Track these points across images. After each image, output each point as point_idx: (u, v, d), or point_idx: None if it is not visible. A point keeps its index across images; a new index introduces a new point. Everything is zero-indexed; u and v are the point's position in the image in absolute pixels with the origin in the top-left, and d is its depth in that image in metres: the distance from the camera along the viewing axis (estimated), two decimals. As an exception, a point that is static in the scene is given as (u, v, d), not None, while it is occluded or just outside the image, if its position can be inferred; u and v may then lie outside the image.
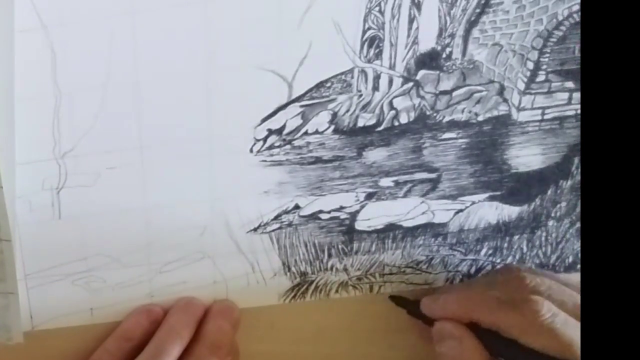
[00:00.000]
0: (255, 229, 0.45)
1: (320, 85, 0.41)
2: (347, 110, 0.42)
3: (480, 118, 0.43)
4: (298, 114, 0.42)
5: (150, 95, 0.40)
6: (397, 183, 0.45)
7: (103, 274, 0.45)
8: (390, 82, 0.42)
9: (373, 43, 0.41)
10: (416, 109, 0.43)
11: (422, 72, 0.42)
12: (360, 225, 0.46)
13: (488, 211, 0.46)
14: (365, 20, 0.40)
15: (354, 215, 0.45)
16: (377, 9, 0.40)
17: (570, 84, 0.43)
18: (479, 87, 0.43)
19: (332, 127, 0.43)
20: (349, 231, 0.46)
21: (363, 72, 0.42)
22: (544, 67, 0.42)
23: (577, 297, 0.40)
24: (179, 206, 0.44)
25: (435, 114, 0.43)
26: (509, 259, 0.48)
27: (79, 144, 0.41)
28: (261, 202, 0.44)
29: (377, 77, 0.42)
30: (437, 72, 0.42)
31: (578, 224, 0.47)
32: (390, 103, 0.43)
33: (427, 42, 0.41)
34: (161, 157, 0.42)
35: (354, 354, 0.49)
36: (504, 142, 0.44)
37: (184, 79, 0.40)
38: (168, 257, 0.45)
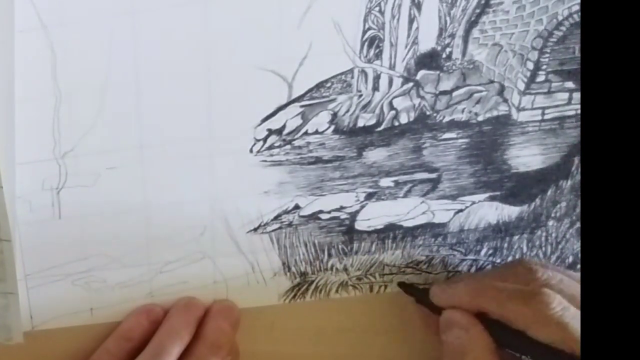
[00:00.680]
0: (255, 229, 0.45)
1: (320, 85, 0.41)
2: (347, 111, 0.42)
3: (480, 118, 0.43)
4: (298, 114, 0.42)
5: (150, 95, 0.40)
6: (397, 183, 0.45)
7: (103, 274, 0.45)
8: (390, 82, 0.42)
9: (373, 43, 0.41)
10: (416, 109, 0.43)
11: (422, 72, 0.42)
12: (360, 225, 0.46)
13: (488, 211, 0.46)
14: (365, 21, 0.40)
15: (354, 215, 0.45)
16: (377, 9, 0.40)
17: (570, 84, 0.43)
18: (479, 87, 0.43)
19: (332, 127, 0.43)
20: (349, 231, 0.46)
21: (363, 72, 0.42)
22: (544, 67, 0.42)
23: None
24: (179, 206, 0.44)
25: (435, 114, 0.43)
26: (509, 259, 0.48)
27: (79, 144, 0.41)
28: (261, 202, 0.44)
29: (377, 77, 0.42)
30: (437, 72, 0.42)
31: (578, 224, 0.47)
32: (390, 103, 0.43)
33: (427, 42, 0.41)
34: (161, 157, 0.42)
35: (354, 354, 0.49)
36: (504, 142, 0.44)
37: (184, 78, 0.40)
38: (168, 257, 0.45)
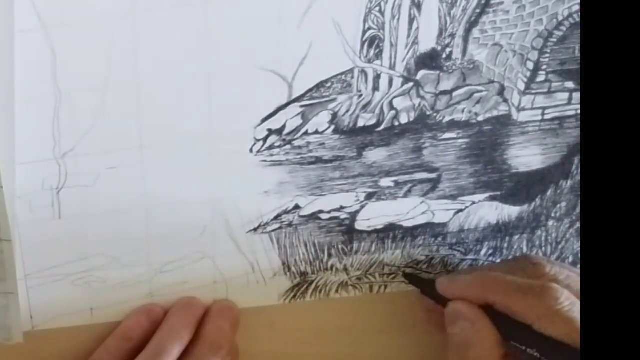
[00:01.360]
0: (255, 229, 0.45)
1: (320, 85, 0.41)
2: (347, 111, 0.42)
3: (480, 118, 0.43)
4: (298, 114, 0.42)
5: (150, 95, 0.40)
6: (397, 183, 0.45)
7: (103, 274, 0.45)
8: (391, 82, 0.42)
9: (373, 43, 0.41)
10: (416, 109, 0.43)
11: (422, 72, 0.42)
12: (360, 225, 0.46)
13: (488, 211, 0.46)
14: (365, 21, 0.40)
15: (354, 215, 0.45)
16: (377, 9, 0.40)
17: (570, 84, 0.43)
18: (479, 87, 0.43)
19: (332, 127, 0.43)
20: (349, 231, 0.46)
21: (363, 72, 0.41)
22: (544, 67, 0.42)
23: None
24: (179, 206, 0.44)
25: (435, 114, 0.43)
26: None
27: (79, 144, 0.41)
28: (261, 202, 0.44)
29: (377, 77, 0.42)
30: (437, 72, 0.42)
31: (578, 224, 0.47)
32: (391, 103, 0.43)
33: (428, 42, 0.41)
34: (161, 157, 0.42)
35: (354, 354, 0.49)
36: (504, 142, 0.44)
37: (184, 79, 0.40)
38: (168, 257, 0.45)
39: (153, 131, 0.41)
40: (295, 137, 0.43)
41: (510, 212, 0.46)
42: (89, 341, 0.46)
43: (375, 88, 0.42)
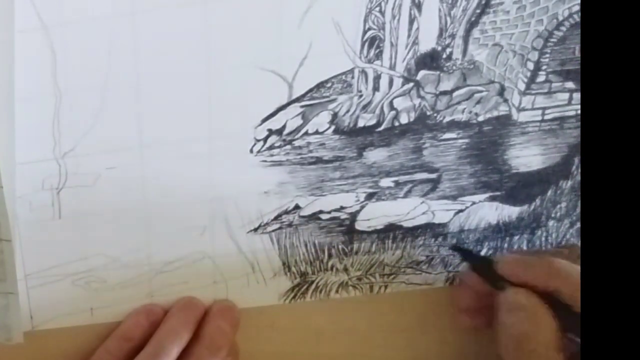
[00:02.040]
0: (255, 229, 0.45)
1: (320, 85, 0.41)
2: (348, 111, 0.42)
3: (480, 118, 0.43)
4: (298, 114, 0.42)
5: (151, 96, 0.40)
6: (397, 183, 0.45)
7: (103, 274, 0.45)
8: (391, 82, 0.42)
9: (373, 43, 0.41)
10: (416, 109, 0.43)
11: (422, 73, 0.42)
12: (360, 225, 0.46)
13: (488, 211, 0.46)
14: (365, 21, 0.40)
15: (354, 216, 0.45)
16: (377, 9, 0.40)
17: (570, 85, 0.43)
18: (479, 88, 0.43)
19: (333, 127, 0.43)
20: (349, 231, 0.46)
21: (363, 72, 0.41)
22: (544, 67, 0.42)
23: None
24: (179, 206, 0.44)
25: (435, 115, 0.43)
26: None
27: (79, 144, 0.41)
28: (261, 202, 0.44)
29: (377, 78, 0.42)
30: (438, 72, 0.42)
31: (578, 224, 0.47)
32: (391, 103, 0.43)
33: (428, 42, 0.41)
34: (161, 157, 0.42)
35: (354, 354, 0.49)
36: (504, 142, 0.44)
37: (184, 79, 0.40)
38: (168, 257, 0.45)
39: (153, 131, 0.41)
40: (296, 137, 0.43)
41: (510, 212, 0.46)
42: (89, 341, 0.46)
43: (376, 88, 0.42)
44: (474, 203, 0.46)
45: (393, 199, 0.45)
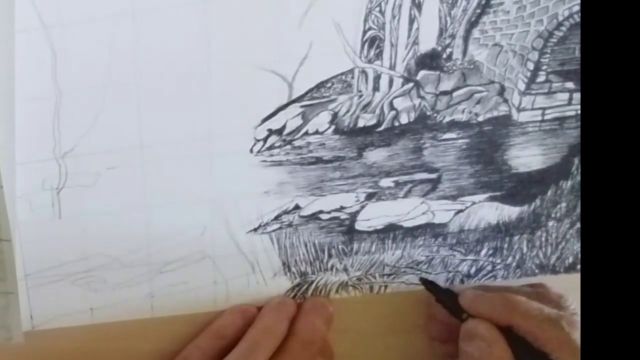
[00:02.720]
0: (255, 229, 0.45)
1: (320, 85, 0.41)
2: (348, 111, 0.42)
3: (480, 118, 0.43)
4: (298, 114, 0.42)
5: (150, 95, 0.40)
6: (397, 183, 0.45)
7: (103, 274, 0.45)
8: (391, 82, 0.42)
9: (373, 43, 0.41)
10: (416, 109, 0.43)
11: (422, 73, 0.42)
12: (360, 225, 0.46)
13: (488, 211, 0.46)
14: (365, 21, 0.40)
15: (354, 216, 0.45)
16: (377, 9, 0.40)
17: (570, 85, 0.43)
18: (479, 88, 0.43)
19: (333, 127, 0.43)
20: (349, 231, 0.46)
21: (363, 72, 0.41)
22: (544, 67, 0.42)
23: None
24: (179, 206, 0.44)
25: (435, 115, 0.43)
26: (509, 260, 0.48)
27: (79, 144, 0.41)
28: (261, 202, 0.44)
29: (377, 78, 0.42)
30: (438, 72, 0.42)
31: (578, 225, 0.47)
32: (391, 103, 0.43)
33: (428, 42, 0.41)
34: (161, 157, 0.42)
35: (354, 354, 0.49)
36: (504, 142, 0.44)
37: (184, 78, 0.40)
38: (168, 257, 0.45)
39: (153, 131, 0.41)
40: (296, 137, 0.43)
41: (510, 212, 0.46)
42: (89, 341, 0.46)
43: (376, 88, 0.42)
44: (474, 203, 0.46)
45: (393, 199, 0.45)
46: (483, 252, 0.48)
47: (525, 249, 0.48)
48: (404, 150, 0.44)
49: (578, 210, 0.47)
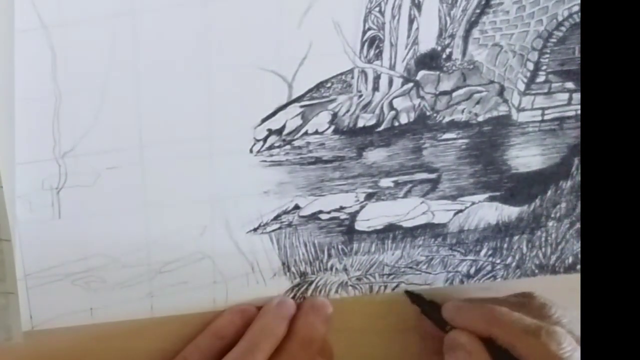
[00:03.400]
0: (255, 229, 0.45)
1: (320, 85, 0.41)
2: (347, 111, 0.42)
3: (480, 118, 0.43)
4: (298, 114, 0.42)
5: (151, 95, 0.40)
6: (397, 183, 0.45)
7: (103, 274, 0.45)
8: (390, 82, 0.42)
9: (373, 43, 0.41)
10: (416, 109, 0.43)
11: (422, 73, 0.42)
12: (360, 225, 0.46)
13: (488, 212, 0.46)
14: (365, 21, 0.40)
15: (353, 216, 0.45)
16: (377, 9, 0.40)
17: (570, 85, 0.43)
18: (479, 88, 0.43)
19: (332, 127, 0.43)
20: (349, 231, 0.46)
21: (363, 72, 0.42)
22: (544, 67, 0.42)
23: None
24: (179, 206, 0.44)
25: (435, 115, 0.43)
26: (509, 260, 0.48)
27: (79, 144, 0.41)
28: (261, 202, 0.44)
29: (377, 78, 0.42)
30: (437, 72, 0.42)
31: (578, 225, 0.47)
32: (390, 103, 0.43)
33: (427, 42, 0.41)
34: (161, 157, 0.42)
35: (354, 354, 0.49)
36: (503, 142, 0.44)
37: (184, 78, 0.40)
38: (168, 257, 0.45)
39: (153, 131, 0.41)
40: (295, 137, 0.43)
41: (510, 212, 0.46)
42: (89, 341, 0.46)
43: (375, 88, 0.42)
44: (473, 203, 0.46)
45: (393, 199, 0.45)
46: (483, 252, 0.48)
47: (525, 249, 0.48)
48: (404, 150, 0.44)
49: (578, 210, 0.47)
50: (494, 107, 0.43)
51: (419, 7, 0.40)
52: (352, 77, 0.42)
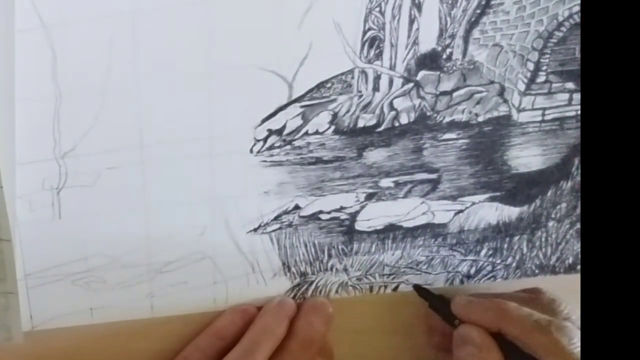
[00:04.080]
0: (255, 229, 0.45)
1: (320, 85, 0.41)
2: (348, 111, 0.42)
3: (480, 119, 0.43)
4: (298, 114, 0.42)
5: (150, 95, 0.40)
6: (397, 184, 0.45)
7: (103, 274, 0.45)
8: (391, 82, 0.42)
9: (373, 44, 0.41)
10: (416, 109, 0.43)
11: (422, 73, 0.42)
12: (360, 225, 0.46)
13: (488, 212, 0.46)
14: (365, 21, 0.40)
15: (354, 216, 0.45)
16: (377, 9, 0.40)
17: (570, 85, 0.43)
18: (479, 88, 0.43)
19: (333, 127, 0.43)
20: (349, 232, 0.46)
21: (363, 72, 0.41)
22: (545, 68, 0.42)
23: None
24: (179, 206, 0.44)
25: (435, 115, 0.43)
26: (509, 260, 0.48)
27: (79, 144, 0.41)
28: (261, 202, 0.44)
29: (377, 78, 0.42)
30: (438, 72, 0.42)
31: (578, 225, 0.47)
32: (391, 104, 0.43)
33: (428, 42, 0.41)
34: (161, 157, 0.42)
35: (354, 354, 0.49)
36: (504, 142, 0.44)
37: (184, 78, 0.40)
38: (168, 257, 0.45)
39: (153, 131, 0.41)
40: (296, 137, 0.43)
41: (510, 212, 0.46)
42: (89, 341, 0.46)
43: (376, 88, 0.42)
44: (473, 203, 0.46)
45: (393, 199, 0.45)
46: (483, 252, 0.48)
47: (525, 250, 0.48)
48: (404, 150, 0.44)
49: (578, 210, 0.47)
50: (495, 108, 0.43)
51: (419, 7, 0.40)
52: (353, 77, 0.42)
